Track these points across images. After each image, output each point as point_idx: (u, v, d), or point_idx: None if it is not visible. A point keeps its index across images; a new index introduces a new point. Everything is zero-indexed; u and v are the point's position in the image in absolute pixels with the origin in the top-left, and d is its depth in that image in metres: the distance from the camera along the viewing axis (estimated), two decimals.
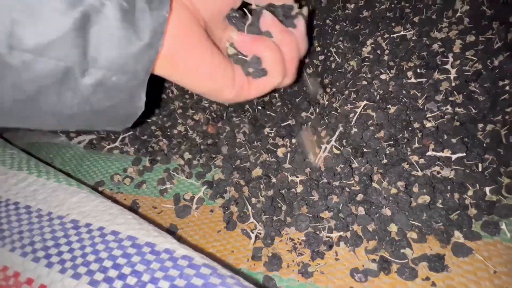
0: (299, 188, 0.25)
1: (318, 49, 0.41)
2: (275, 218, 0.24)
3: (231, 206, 0.27)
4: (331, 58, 0.39)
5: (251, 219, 0.24)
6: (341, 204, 0.23)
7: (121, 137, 0.39)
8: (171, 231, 0.26)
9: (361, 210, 0.23)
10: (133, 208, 0.29)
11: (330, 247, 0.21)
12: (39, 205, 0.21)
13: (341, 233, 0.22)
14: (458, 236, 0.21)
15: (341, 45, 0.39)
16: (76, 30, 0.15)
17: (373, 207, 0.23)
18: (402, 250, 0.20)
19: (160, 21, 0.17)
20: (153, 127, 0.39)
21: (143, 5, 0.16)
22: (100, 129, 0.22)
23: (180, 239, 0.25)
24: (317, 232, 0.22)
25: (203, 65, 0.21)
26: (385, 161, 0.26)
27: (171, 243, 0.17)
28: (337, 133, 0.26)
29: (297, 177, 0.26)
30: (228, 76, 0.23)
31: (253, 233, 0.23)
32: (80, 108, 0.17)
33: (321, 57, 0.40)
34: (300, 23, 0.28)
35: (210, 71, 0.22)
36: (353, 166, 0.26)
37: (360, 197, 0.23)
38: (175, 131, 0.38)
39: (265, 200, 0.25)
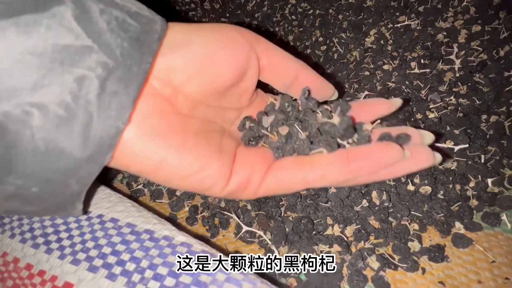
0: None
1: (321, 39, 0.41)
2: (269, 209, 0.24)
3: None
4: (334, 49, 0.38)
5: (242, 228, 0.22)
6: (341, 197, 0.23)
7: None
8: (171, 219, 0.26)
9: (364, 203, 0.22)
10: (133, 197, 0.29)
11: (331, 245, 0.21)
12: None
13: (342, 226, 0.22)
14: (458, 227, 0.21)
15: (343, 35, 0.38)
16: None
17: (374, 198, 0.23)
18: (409, 243, 0.20)
19: (111, 132, 0.13)
20: None
21: (90, 112, 0.13)
22: None
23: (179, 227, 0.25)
24: (321, 233, 0.22)
25: (168, 162, 0.15)
26: None
27: (170, 230, 0.17)
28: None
29: None
30: (214, 174, 0.17)
31: (250, 238, 0.22)
32: None
33: (323, 48, 0.39)
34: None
35: (180, 169, 0.16)
36: None
37: (361, 188, 0.23)
38: None
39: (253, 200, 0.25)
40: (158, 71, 0.16)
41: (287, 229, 0.23)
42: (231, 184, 0.17)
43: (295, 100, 0.21)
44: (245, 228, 0.23)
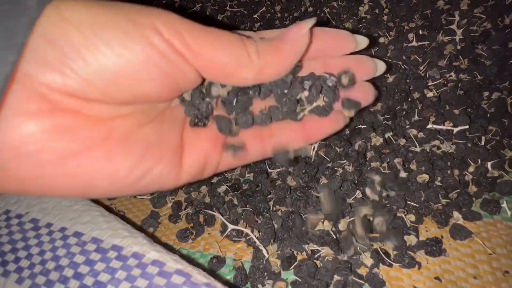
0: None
1: (310, 9, 0.37)
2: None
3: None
4: (325, 20, 0.35)
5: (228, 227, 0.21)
6: (333, 188, 0.21)
7: None
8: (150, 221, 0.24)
9: (358, 194, 0.21)
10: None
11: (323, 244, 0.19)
12: None
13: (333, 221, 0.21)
14: (457, 217, 0.20)
15: (335, 4, 0.35)
16: None
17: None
18: (405, 237, 0.19)
19: None
20: None
21: None
22: None
23: (159, 225, 0.24)
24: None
25: (96, 183, 0.14)
26: (381, 137, 0.23)
27: (141, 245, 0.15)
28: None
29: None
30: (160, 175, 0.15)
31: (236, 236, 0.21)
32: None
33: None
34: None
35: (116, 185, 0.14)
36: (346, 144, 0.24)
37: (354, 178, 0.22)
38: None
39: (239, 195, 0.23)
40: (46, 89, 0.12)
41: (275, 226, 0.21)
42: (185, 177, 0.16)
43: None
44: (231, 226, 0.21)
